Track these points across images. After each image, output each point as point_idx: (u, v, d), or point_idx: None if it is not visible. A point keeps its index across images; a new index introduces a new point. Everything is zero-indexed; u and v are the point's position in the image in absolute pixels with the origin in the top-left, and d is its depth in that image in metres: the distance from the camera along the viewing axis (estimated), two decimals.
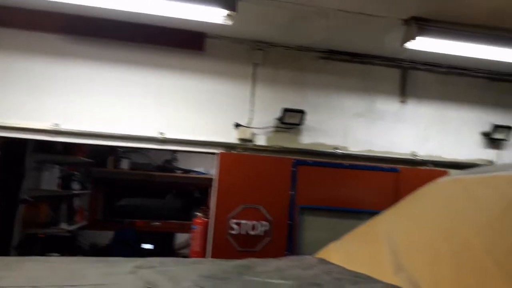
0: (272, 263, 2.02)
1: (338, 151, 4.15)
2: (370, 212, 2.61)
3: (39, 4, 3.50)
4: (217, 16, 3.13)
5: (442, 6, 3.18)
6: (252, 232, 3.79)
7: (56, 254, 4.64)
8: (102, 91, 3.78)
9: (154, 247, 6.08)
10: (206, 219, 3.88)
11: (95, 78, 3.78)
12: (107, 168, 6.16)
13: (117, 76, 3.83)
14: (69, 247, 5.25)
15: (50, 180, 5.09)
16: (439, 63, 4.39)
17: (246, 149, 4.00)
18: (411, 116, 4.39)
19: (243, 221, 3.79)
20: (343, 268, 1.84)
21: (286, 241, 3.85)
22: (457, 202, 1.88)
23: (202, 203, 5.17)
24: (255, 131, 4.03)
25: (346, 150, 4.18)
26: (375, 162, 4.18)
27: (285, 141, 4.09)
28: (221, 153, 3.90)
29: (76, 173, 5.75)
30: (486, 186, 1.83)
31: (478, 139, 4.52)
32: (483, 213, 1.64)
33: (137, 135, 3.79)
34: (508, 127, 4.45)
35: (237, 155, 3.94)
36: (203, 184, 5.80)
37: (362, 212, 3.77)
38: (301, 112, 4.00)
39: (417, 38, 3.36)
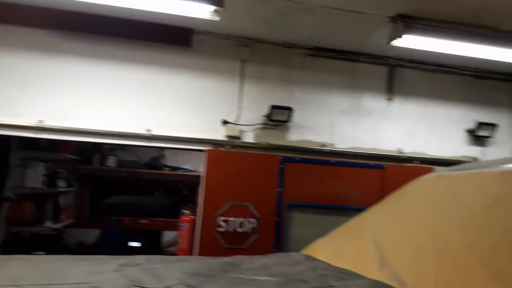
0: (259, 260, 2.02)
1: (325, 148, 4.17)
2: (357, 209, 2.62)
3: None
4: (204, 11, 3.12)
5: (428, 3, 3.21)
6: (239, 230, 3.79)
7: (41, 253, 4.58)
8: (88, 87, 3.73)
9: (141, 245, 6.03)
10: (193, 217, 3.86)
11: (81, 74, 3.73)
12: (93, 165, 6.09)
13: (103, 72, 3.78)
14: (54, 245, 5.18)
15: (35, 177, 5.02)
16: (426, 61, 4.44)
17: (234, 146, 3.99)
18: (398, 113, 4.43)
19: (230, 219, 3.78)
20: (329, 265, 1.85)
21: (273, 238, 3.86)
22: (441, 198, 1.90)
23: (189, 200, 5.14)
24: (242, 128, 4.02)
25: (333, 147, 4.20)
26: (361, 159, 4.21)
27: (273, 138, 4.10)
28: (209, 150, 3.88)
29: (61, 170, 5.67)
30: (470, 183, 1.85)
31: (463, 136, 4.58)
32: (467, 210, 1.65)
33: (123, 132, 3.75)
34: (492, 125, 4.51)
35: (225, 152, 3.93)
36: (191, 182, 5.77)
37: (349, 208, 3.78)
38: (289, 109, 4.00)
39: (404, 36, 3.39)
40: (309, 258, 2.07)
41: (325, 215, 3.96)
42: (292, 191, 3.96)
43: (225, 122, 3.97)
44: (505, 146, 4.62)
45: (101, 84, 3.76)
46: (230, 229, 3.77)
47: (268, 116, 4.03)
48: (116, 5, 3.14)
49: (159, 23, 3.76)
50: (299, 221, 3.95)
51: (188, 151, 4.19)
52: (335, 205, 3.97)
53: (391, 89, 4.44)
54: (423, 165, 4.29)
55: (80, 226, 6.05)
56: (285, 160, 4.00)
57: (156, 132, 3.81)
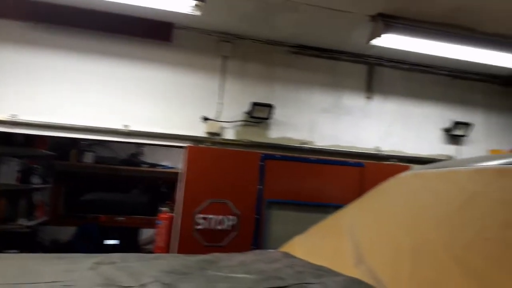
0: (236, 258, 2.01)
1: (305, 145, 4.19)
2: (336, 206, 2.64)
3: None
4: (185, 5, 3.08)
5: (408, 3, 3.25)
6: (219, 227, 3.77)
7: (14, 251, 4.45)
8: (64, 81, 3.64)
9: (119, 242, 5.94)
10: (171, 214, 3.82)
11: (57, 67, 3.64)
12: (70, 161, 5.95)
13: (80, 66, 3.70)
14: (28, 243, 5.05)
15: (8, 173, 4.86)
16: (405, 60, 4.50)
17: (214, 143, 3.96)
18: (376, 111, 4.48)
19: (210, 216, 3.76)
20: (306, 262, 1.85)
21: (253, 236, 3.85)
22: (417, 196, 1.93)
23: (168, 197, 5.09)
24: (223, 124, 4.00)
25: (313, 145, 4.22)
26: (341, 157, 4.24)
27: (254, 135, 4.09)
28: (189, 147, 3.84)
29: (36, 166, 5.52)
30: (446, 181, 1.88)
31: (439, 135, 4.67)
32: (442, 207, 1.68)
33: (100, 127, 3.68)
34: (467, 124, 4.62)
35: (205, 149, 3.90)
36: (170, 179, 5.71)
37: (328, 206, 3.81)
38: (270, 106, 4.00)
39: (383, 35, 3.42)
40: (287, 255, 2.07)
41: (304, 212, 3.99)
42: (272, 188, 3.96)
43: (205, 119, 3.94)
44: (480, 144, 4.74)
45: (77, 78, 3.68)
46: (209, 227, 3.74)
47: (249, 113, 4.01)
48: None
49: (138, 17, 3.69)
50: (278, 218, 3.96)
51: (167, 147, 4.14)
52: (315, 203, 3.99)
53: (370, 88, 4.49)
54: (400, 163, 4.36)
55: (55, 224, 5.91)
56: (266, 157, 4.00)
57: (134, 127, 3.75)
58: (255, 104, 3.96)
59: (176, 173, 4.07)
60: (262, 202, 3.92)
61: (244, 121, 4.06)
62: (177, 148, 3.96)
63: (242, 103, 4.04)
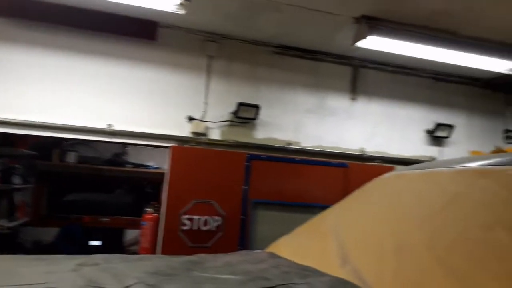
0: (222, 258, 2.00)
1: (290, 146, 4.20)
2: (321, 206, 2.66)
3: None
4: (170, 4, 3.06)
5: (392, 6, 3.29)
6: (204, 228, 3.75)
7: None
8: (47, 79, 3.58)
9: (102, 243, 5.86)
10: (156, 215, 3.79)
11: (39, 65, 3.58)
12: (52, 161, 5.84)
13: (63, 63, 3.64)
14: (9, 244, 4.93)
15: None
16: (389, 63, 4.56)
17: (199, 143, 3.94)
18: (361, 113, 4.53)
19: (195, 217, 3.74)
20: (292, 262, 1.86)
21: (238, 236, 3.85)
22: (401, 197, 1.95)
23: (153, 198, 5.04)
24: (209, 125, 3.98)
25: (298, 145, 4.24)
26: (325, 158, 4.27)
27: (239, 135, 4.08)
28: (173, 147, 3.82)
29: (17, 166, 5.40)
30: (428, 181, 1.91)
31: (422, 137, 4.75)
32: (425, 208, 1.70)
33: (83, 127, 3.62)
34: (449, 126, 4.70)
35: (190, 149, 3.88)
36: (155, 179, 5.65)
37: (313, 206, 3.83)
38: (256, 106, 4.00)
39: (368, 37, 3.46)
40: (273, 255, 2.07)
41: (290, 212, 4.00)
42: (258, 188, 3.96)
43: (190, 119, 3.92)
44: (461, 146, 4.83)
45: (60, 76, 3.62)
46: (195, 227, 3.72)
47: (235, 113, 4.00)
48: None
49: (123, 15, 3.65)
50: (264, 219, 3.96)
51: (152, 147, 4.10)
52: (300, 203, 4.01)
53: (355, 89, 4.53)
54: (384, 164, 4.41)
55: (37, 225, 5.78)
56: (251, 157, 3.99)
57: (118, 127, 3.71)
58: (241, 105, 3.96)
59: (161, 174, 4.04)
60: (248, 202, 3.92)
61: (230, 121, 4.05)
62: (162, 148, 3.92)
63: (228, 103, 4.03)
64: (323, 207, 2.52)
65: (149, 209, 3.89)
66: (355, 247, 1.71)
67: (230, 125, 4.06)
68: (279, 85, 4.26)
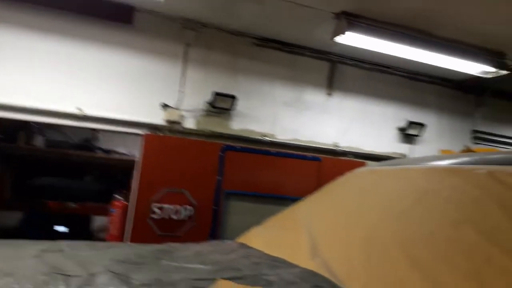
0: (192, 248, 1.98)
1: (266, 138, 4.20)
2: (294, 199, 2.67)
3: None
4: None
5: (371, 3, 3.32)
6: (175, 217, 3.71)
7: None
8: (14, 60, 3.43)
9: (69, 230, 5.71)
10: (125, 202, 3.71)
11: (7, 45, 3.42)
12: (18, 144, 5.62)
13: (33, 44, 3.49)
14: None
15: None
16: (365, 60, 4.61)
17: (173, 131, 3.88)
18: (336, 108, 4.57)
19: (166, 205, 3.69)
20: (263, 253, 1.86)
21: (210, 226, 3.82)
22: (372, 192, 1.98)
23: (123, 185, 4.94)
24: (183, 113, 3.92)
25: (274, 138, 4.24)
26: (300, 151, 4.29)
27: (215, 125, 4.04)
28: (146, 135, 3.74)
29: None
30: (399, 178, 1.95)
31: (394, 134, 4.84)
32: (395, 203, 1.73)
33: (51, 110, 3.49)
34: (421, 124, 4.81)
35: (163, 137, 3.81)
36: (126, 166, 5.53)
37: (286, 198, 3.85)
38: (233, 97, 3.97)
39: (347, 32, 3.47)
40: (243, 246, 2.06)
41: (263, 204, 4.01)
42: (232, 179, 3.94)
43: (165, 106, 3.84)
44: (432, 144, 4.96)
45: (29, 57, 3.46)
46: (165, 216, 3.67)
47: (211, 103, 3.96)
48: None
49: None
50: (237, 210, 3.95)
51: (124, 134, 4.00)
52: (273, 195, 4.02)
53: (331, 85, 4.56)
54: (356, 159, 4.48)
55: (0, 209, 5.57)
56: (226, 148, 3.97)
57: (89, 112, 3.59)
58: (218, 94, 3.91)
59: (133, 161, 3.96)
60: (221, 193, 3.89)
61: (206, 110, 4.00)
62: (134, 135, 3.84)
63: (204, 92, 3.98)
64: (296, 199, 2.53)
65: (118, 197, 3.81)
66: (325, 239, 1.72)
67: (206, 115, 4.02)
68: (257, 77, 4.24)
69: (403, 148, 4.85)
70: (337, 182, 2.36)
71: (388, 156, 4.62)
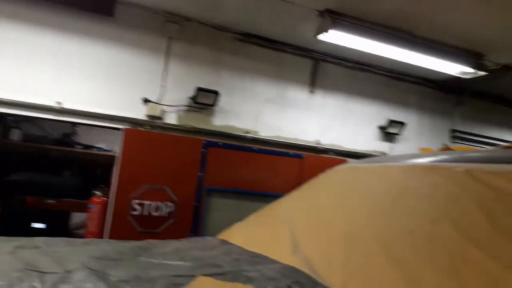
0: (172, 245, 1.96)
1: (248, 135, 4.19)
2: (275, 196, 2.67)
3: None
4: None
5: (355, 1, 3.33)
6: (155, 213, 3.66)
7: None
8: None
9: (47, 226, 5.58)
10: (105, 199, 3.65)
11: None
12: None
13: (10, 34, 3.38)
14: None
15: None
16: (348, 58, 4.63)
17: (154, 126, 3.83)
18: (318, 106, 4.59)
19: (146, 202, 3.64)
20: (243, 249, 1.85)
21: (191, 223, 3.79)
22: (352, 189, 2.00)
23: (103, 181, 4.86)
24: (165, 108, 3.87)
25: (257, 135, 4.24)
26: (282, 148, 4.30)
27: (197, 121, 4.00)
28: (126, 130, 3.68)
29: None
30: (379, 175, 1.97)
31: (375, 132, 4.89)
32: (375, 200, 1.75)
33: (29, 103, 3.39)
34: (401, 123, 4.88)
35: (144, 133, 3.76)
36: (105, 161, 5.44)
37: (267, 195, 3.85)
38: (215, 93, 3.93)
39: (330, 30, 3.49)
40: (224, 242, 2.05)
41: (244, 200, 4.00)
42: (213, 176, 3.91)
43: (146, 101, 3.79)
44: (411, 143, 5.04)
45: (6, 48, 3.36)
46: (145, 213, 3.63)
47: (193, 98, 3.92)
48: None
49: None
50: (218, 206, 3.93)
51: (104, 129, 3.93)
52: (255, 191, 4.02)
53: (314, 82, 4.58)
54: (337, 157, 4.51)
55: None
56: (208, 144, 3.94)
57: (68, 105, 3.51)
58: (200, 90, 3.88)
59: (112, 156, 3.89)
60: (202, 189, 3.87)
61: (188, 106, 3.96)
62: (114, 130, 3.77)
63: (187, 87, 3.93)
64: (278, 196, 2.54)
65: (97, 192, 3.74)
66: (306, 236, 1.73)
67: (188, 110, 3.98)
68: (240, 73, 4.22)
69: (383, 146, 4.91)
70: (318, 179, 2.37)
71: (368, 153, 4.68)
